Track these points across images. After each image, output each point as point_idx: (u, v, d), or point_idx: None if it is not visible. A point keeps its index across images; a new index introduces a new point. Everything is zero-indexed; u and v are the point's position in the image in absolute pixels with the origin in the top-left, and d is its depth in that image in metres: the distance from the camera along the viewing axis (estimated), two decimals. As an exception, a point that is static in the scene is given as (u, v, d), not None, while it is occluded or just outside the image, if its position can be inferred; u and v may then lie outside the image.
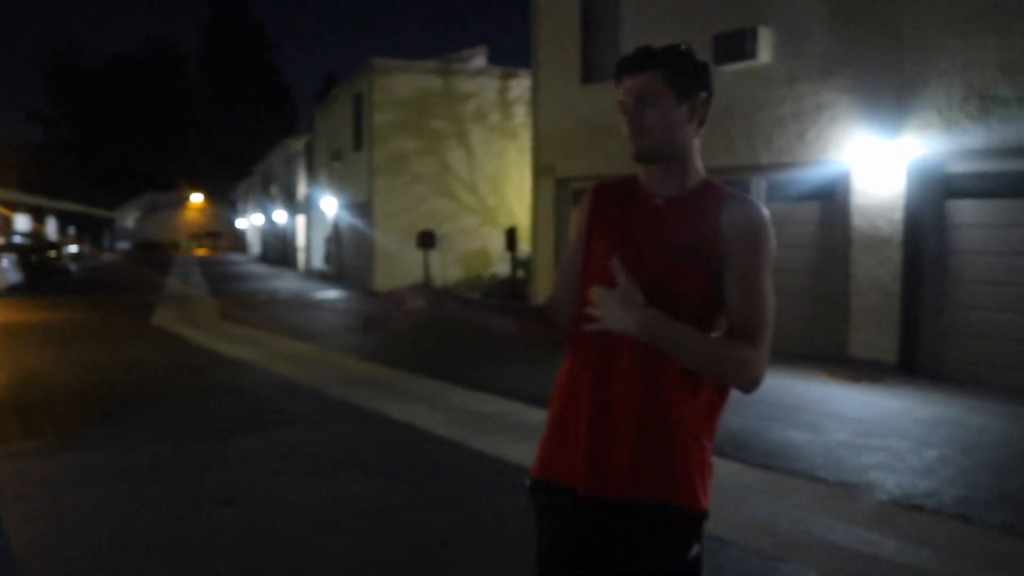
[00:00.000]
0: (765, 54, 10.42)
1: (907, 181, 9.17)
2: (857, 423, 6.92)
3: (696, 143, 1.91)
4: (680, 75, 1.86)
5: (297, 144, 37.91)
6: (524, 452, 5.95)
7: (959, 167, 8.87)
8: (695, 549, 1.80)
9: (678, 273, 1.80)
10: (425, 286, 1.97)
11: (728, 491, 5.16)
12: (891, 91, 9.21)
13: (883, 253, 9.39)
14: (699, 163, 1.92)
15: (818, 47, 10.00)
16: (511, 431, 6.73)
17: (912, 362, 9.22)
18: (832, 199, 10.02)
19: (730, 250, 1.79)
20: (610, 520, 1.82)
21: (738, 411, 7.34)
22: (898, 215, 9.24)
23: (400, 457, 6.07)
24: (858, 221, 9.60)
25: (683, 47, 1.89)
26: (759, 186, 10.95)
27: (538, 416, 7.17)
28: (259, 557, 4.15)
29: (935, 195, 9.06)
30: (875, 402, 7.74)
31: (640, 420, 1.78)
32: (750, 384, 1.74)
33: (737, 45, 10.40)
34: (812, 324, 10.25)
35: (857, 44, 9.59)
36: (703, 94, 1.88)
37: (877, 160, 9.37)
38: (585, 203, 2.02)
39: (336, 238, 27.98)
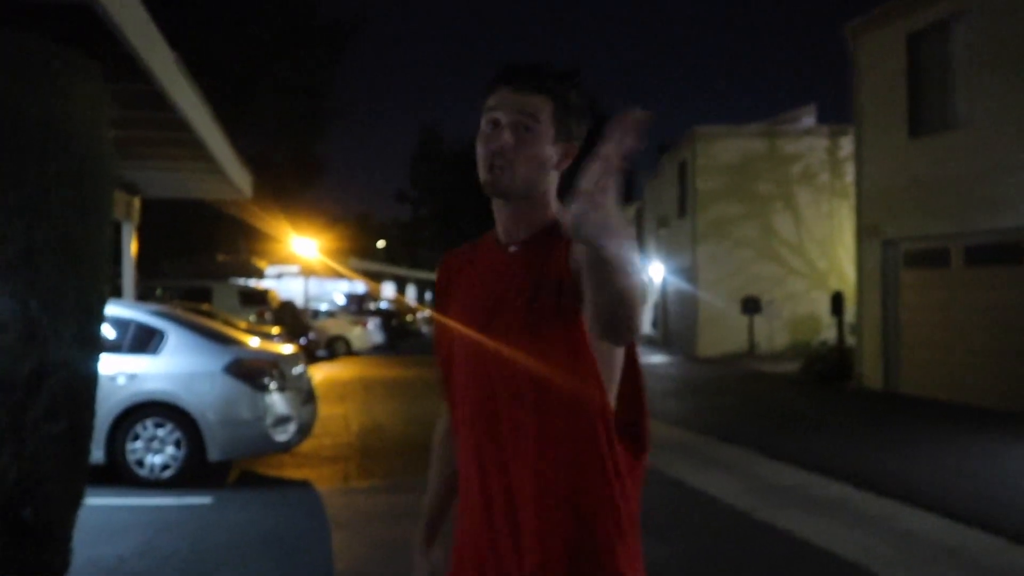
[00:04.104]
0: None
1: None
2: None
3: (555, 188, 1.65)
4: (568, 113, 1.60)
5: (628, 212, 39.28)
6: (813, 528, 5.67)
7: None
8: None
9: (540, 316, 1.54)
10: None
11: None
12: None
13: None
14: (557, 206, 1.64)
15: None
16: (806, 505, 6.42)
17: None
18: None
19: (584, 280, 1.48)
20: None
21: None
22: None
23: (694, 522, 6.07)
24: None
25: (580, 81, 1.62)
26: None
27: (839, 491, 6.77)
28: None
29: None
30: None
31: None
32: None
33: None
34: None
35: None
36: (581, 139, 1.63)
37: None
38: (437, 278, 1.79)
39: (663, 303, 28.34)
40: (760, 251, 21.91)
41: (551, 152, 1.58)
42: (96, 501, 5.96)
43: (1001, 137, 11.18)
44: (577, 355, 1.52)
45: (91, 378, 4.13)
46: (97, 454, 6.58)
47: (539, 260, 1.57)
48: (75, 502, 4.03)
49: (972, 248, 11.99)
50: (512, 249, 1.62)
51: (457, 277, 1.71)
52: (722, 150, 22.21)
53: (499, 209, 1.64)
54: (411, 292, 45.85)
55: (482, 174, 1.58)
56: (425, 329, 35.92)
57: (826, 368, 15.14)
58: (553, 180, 1.62)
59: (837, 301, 15.75)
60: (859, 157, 14.40)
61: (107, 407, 6.65)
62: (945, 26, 12.30)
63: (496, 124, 1.57)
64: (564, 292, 1.52)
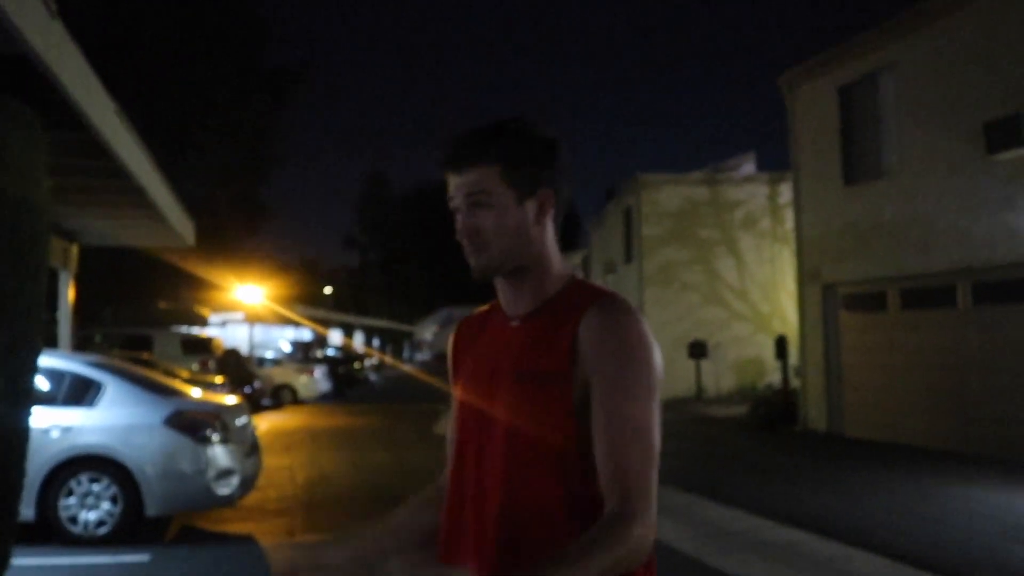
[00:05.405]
0: (1049, 137, 9.52)
1: None
2: None
3: (552, 240, 1.55)
4: (521, 167, 1.48)
5: (575, 258, 39.55)
6: (763, 573, 5.68)
7: None
8: None
9: (527, 403, 1.45)
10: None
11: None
12: None
13: None
14: (559, 262, 1.56)
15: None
16: (756, 550, 6.45)
17: None
18: None
19: (591, 369, 1.42)
20: None
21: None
22: None
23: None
24: None
25: (521, 125, 1.51)
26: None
27: (789, 535, 6.81)
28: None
29: None
30: None
31: None
32: (644, 559, 1.38)
33: (1012, 131, 9.61)
34: None
35: None
36: (554, 179, 1.52)
37: None
38: (449, 344, 1.71)
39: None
40: (705, 296, 22.23)
41: (520, 214, 1.49)
42: (25, 561, 5.72)
43: (929, 184, 11.58)
44: (563, 444, 1.43)
45: (22, 433, 3.99)
46: (27, 511, 6.31)
47: (538, 341, 1.48)
48: (2, 563, 3.86)
49: (907, 291, 12.33)
50: (514, 324, 1.54)
51: (468, 345, 1.64)
52: (666, 197, 22.60)
53: (498, 283, 1.57)
54: (359, 338, 45.55)
55: (470, 263, 1.52)
56: (373, 377, 35.54)
57: (772, 412, 15.30)
58: (540, 238, 1.52)
59: (781, 345, 15.99)
60: (797, 204, 14.79)
61: (39, 462, 6.41)
62: (873, 79, 12.78)
63: (457, 211, 1.52)
64: (554, 379, 1.44)
